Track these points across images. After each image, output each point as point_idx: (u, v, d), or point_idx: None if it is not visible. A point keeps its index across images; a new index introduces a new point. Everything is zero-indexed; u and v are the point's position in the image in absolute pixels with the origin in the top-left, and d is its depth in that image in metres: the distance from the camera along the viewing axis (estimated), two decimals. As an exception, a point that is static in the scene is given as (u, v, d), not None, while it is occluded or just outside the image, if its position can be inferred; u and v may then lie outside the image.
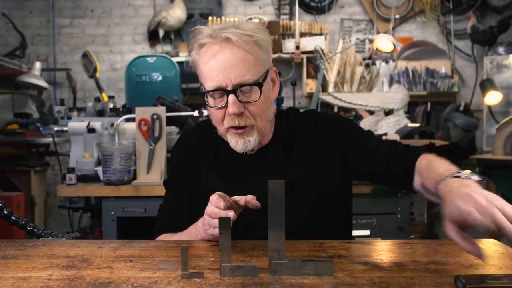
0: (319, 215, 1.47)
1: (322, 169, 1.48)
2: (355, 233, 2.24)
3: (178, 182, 1.59)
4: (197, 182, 1.54)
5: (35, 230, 1.52)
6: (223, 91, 1.38)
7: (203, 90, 1.43)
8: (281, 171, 1.44)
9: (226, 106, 1.39)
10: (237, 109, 1.37)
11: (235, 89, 1.37)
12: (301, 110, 1.64)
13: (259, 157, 1.50)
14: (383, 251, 1.25)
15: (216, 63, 1.37)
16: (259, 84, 1.39)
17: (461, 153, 2.65)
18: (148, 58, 4.27)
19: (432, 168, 1.28)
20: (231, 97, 1.37)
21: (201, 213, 1.32)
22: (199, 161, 1.56)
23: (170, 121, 2.89)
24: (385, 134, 3.19)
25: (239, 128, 1.41)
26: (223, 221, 1.02)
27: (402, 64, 5.39)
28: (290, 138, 1.53)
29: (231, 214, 1.19)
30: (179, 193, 1.57)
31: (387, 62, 5.38)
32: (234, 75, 1.36)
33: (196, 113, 2.97)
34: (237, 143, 1.43)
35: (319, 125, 1.54)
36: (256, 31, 1.41)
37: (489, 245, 1.29)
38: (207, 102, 1.43)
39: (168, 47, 5.82)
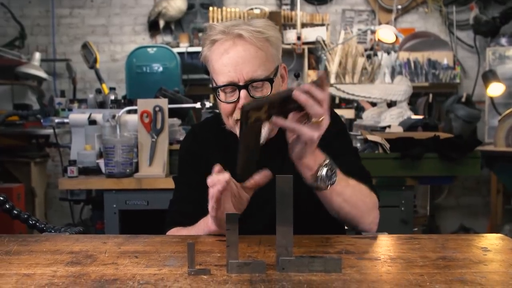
0: (313, 204, 1.44)
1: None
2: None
3: (189, 173, 1.58)
4: (208, 175, 1.52)
5: (37, 224, 1.50)
6: (235, 86, 1.40)
7: (215, 85, 1.44)
8: (288, 163, 1.39)
9: (237, 101, 1.41)
10: None
11: (247, 85, 1.39)
12: None
13: (267, 149, 1.46)
14: (391, 246, 1.24)
15: (229, 59, 1.39)
16: (270, 80, 1.41)
17: (466, 146, 2.64)
18: (149, 49, 4.24)
19: None
20: (243, 92, 1.39)
21: None
22: (208, 154, 1.55)
23: (172, 113, 2.87)
24: (389, 126, 3.17)
25: None
26: (230, 216, 1.01)
27: (404, 55, 5.36)
28: None
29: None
30: (191, 184, 1.55)
31: (389, 53, 5.36)
32: (246, 70, 1.38)
33: (198, 105, 2.95)
34: None
35: None
36: (267, 28, 1.43)
37: (497, 241, 1.27)
38: (218, 97, 1.44)
39: (168, 38, 5.78)
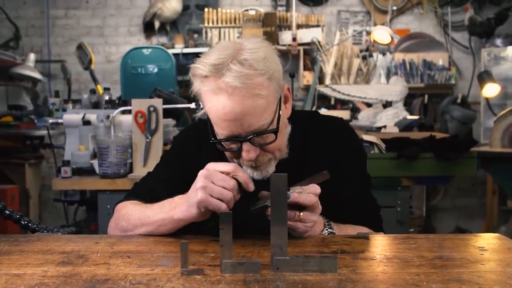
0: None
1: (330, 185, 1.35)
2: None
3: (174, 165, 1.52)
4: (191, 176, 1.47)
5: (29, 224, 1.49)
6: (236, 140, 1.28)
7: (214, 138, 1.32)
8: (295, 182, 1.31)
9: (240, 150, 1.29)
10: (252, 155, 1.28)
11: (249, 137, 1.26)
12: (323, 114, 1.57)
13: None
14: (387, 246, 1.23)
15: (225, 115, 1.23)
16: (275, 131, 1.28)
17: (461, 146, 2.63)
18: (144, 50, 4.22)
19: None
20: (245, 145, 1.27)
21: None
22: (202, 158, 1.46)
23: (167, 113, 2.85)
24: (384, 126, 3.16)
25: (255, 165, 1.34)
26: (224, 216, 0.99)
27: (399, 56, 5.36)
28: (306, 148, 1.47)
29: (224, 207, 1.18)
30: (171, 174, 1.51)
31: (384, 54, 5.35)
32: (247, 124, 1.24)
33: (193, 105, 2.93)
34: (254, 174, 1.33)
35: (340, 140, 1.49)
36: (266, 61, 1.25)
37: (493, 240, 1.26)
38: (218, 146, 1.34)
39: (163, 39, 5.76)
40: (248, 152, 1.27)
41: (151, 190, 1.49)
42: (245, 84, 1.21)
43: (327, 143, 1.48)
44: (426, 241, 1.24)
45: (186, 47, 5.39)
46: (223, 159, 1.46)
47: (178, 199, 1.29)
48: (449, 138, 2.69)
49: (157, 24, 5.62)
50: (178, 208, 1.27)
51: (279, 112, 1.30)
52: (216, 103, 1.24)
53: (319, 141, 1.48)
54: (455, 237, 1.29)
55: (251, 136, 1.26)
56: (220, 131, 1.29)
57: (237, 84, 1.21)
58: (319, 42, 5.12)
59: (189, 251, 0.99)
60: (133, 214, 1.38)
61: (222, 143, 1.32)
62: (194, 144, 1.53)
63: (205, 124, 1.55)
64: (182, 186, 1.35)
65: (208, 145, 1.48)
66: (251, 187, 1.22)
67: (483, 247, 1.18)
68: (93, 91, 3.54)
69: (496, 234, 1.32)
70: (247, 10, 5.73)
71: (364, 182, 1.53)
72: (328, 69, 4.60)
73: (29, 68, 4.90)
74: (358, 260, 1.08)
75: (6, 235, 1.31)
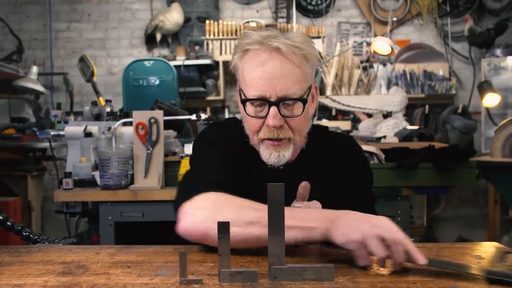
0: None
1: (337, 199, 1.36)
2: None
3: (226, 162, 1.40)
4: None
5: (31, 235, 1.50)
6: (265, 101, 1.34)
7: (244, 97, 1.37)
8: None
9: (265, 117, 1.34)
10: (277, 122, 1.33)
11: (278, 101, 1.33)
12: (333, 130, 1.62)
13: (286, 172, 1.40)
14: (385, 255, 1.23)
15: (263, 72, 1.32)
16: (304, 100, 1.35)
17: (461, 155, 2.64)
18: (145, 62, 4.25)
19: None
20: (273, 109, 1.33)
21: None
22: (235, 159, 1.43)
23: (168, 125, 2.87)
24: (384, 136, 3.17)
25: (275, 140, 1.36)
26: (222, 226, 1.00)
27: (399, 67, 5.39)
28: (319, 158, 1.49)
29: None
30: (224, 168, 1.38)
31: (384, 65, 5.38)
32: (280, 87, 1.32)
33: (193, 117, 2.95)
34: (271, 156, 1.37)
35: (351, 157, 1.52)
36: (305, 44, 1.36)
37: (491, 249, 1.27)
38: (246, 109, 1.37)
39: (165, 51, 5.80)
40: (274, 117, 1.32)
41: (217, 182, 1.30)
42: (288, 50, 1.31)
43: (339, 157, 1.50)
44: (423, 250, 1.23)
45: (187, 59, 5.42)
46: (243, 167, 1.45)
47: (319, 213, 1.21)
48: (448, 148, 2.71)
49: (158, 37, 5.66)
50: (313, 221, 1.15)
51: (308, 93, 1.37)
52: (257, 59, 1.34)
53: (332, 154, 1.50)
54: (452, 245, 1.30)
55: (280, 100, 1.32)
56: (252, 92, 1.34)
57: (281, 46, 1.31)
58: (320, 53, 5.15)
59: (187, 260, 1.00)
60: (246, 209, 1.20)
61: (249, 107, 1.36)
62: (230, 140, 1.46)
63: (229, 127, 1.52)
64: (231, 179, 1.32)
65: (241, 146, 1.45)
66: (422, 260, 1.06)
67: (480, 255, 1.19)
68: (94, 103, 3.55)
69: (494, 243, 1.33)
70: (248, 22, 5.77)
71: (370, 199, 1.54)
72: (329, 80, 4.63)
73: (32, 81, 4.93)
74: (355, 268, 1.09)
75: (7, 246, 1.33)
